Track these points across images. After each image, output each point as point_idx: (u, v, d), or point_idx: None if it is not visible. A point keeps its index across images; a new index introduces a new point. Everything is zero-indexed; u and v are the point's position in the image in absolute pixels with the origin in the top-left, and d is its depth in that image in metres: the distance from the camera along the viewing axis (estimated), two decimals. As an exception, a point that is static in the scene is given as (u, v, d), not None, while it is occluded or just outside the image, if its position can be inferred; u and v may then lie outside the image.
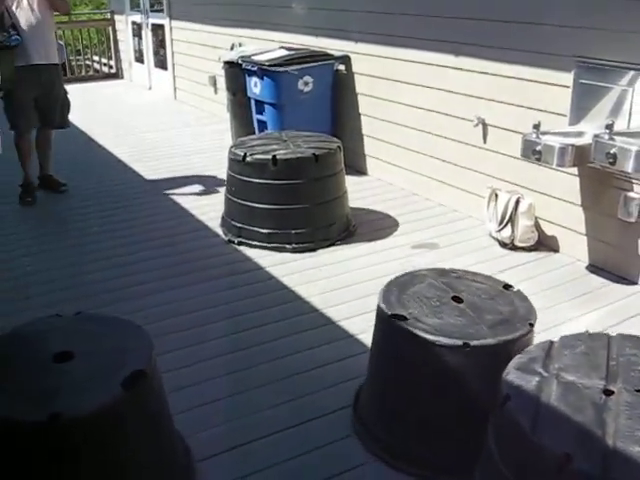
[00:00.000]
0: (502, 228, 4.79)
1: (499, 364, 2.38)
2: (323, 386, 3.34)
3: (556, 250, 4.82)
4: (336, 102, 6.64)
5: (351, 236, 5.12)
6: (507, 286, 3.04)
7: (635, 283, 4.36)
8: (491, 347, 2.58)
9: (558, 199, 4.72)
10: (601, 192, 4.45)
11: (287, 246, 4.89)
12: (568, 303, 4.10)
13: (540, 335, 2.94)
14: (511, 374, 2.24)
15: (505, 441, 2.12)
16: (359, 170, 6.57)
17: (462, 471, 2.52)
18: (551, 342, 2.40)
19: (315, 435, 3.01)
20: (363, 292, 4.22)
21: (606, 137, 3.87)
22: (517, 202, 4.73)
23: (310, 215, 4.97)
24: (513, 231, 4.76)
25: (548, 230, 4.86)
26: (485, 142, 5.26)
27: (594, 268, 4.56)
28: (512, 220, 4.74)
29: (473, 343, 2.57)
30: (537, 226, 4.84)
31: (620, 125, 4.22)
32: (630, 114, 4.26)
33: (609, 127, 3.88)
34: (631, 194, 4.28)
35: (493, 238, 4.95)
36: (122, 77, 12.43)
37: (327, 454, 2.91)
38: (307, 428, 3.06)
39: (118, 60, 12.54)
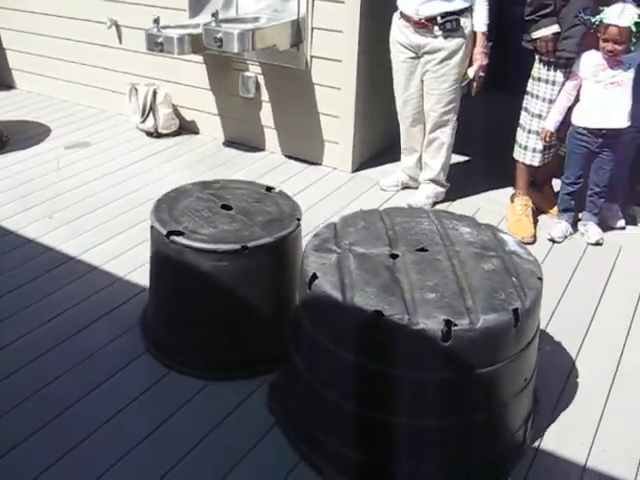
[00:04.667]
0: (145, 119, 5.26)
1: (277, 259, 2.78)
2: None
3: (196, 132, 5.44)
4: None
5: (4, 147, 5.22)
6: (269, 188, 3.21)
7: (262, 149, 5.13)
8: (268, 245, 2.77)
9: (191, 86, 5.29)
10: (224, 75, 5.09)
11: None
12: (209, 173, 4.72)
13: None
14: (311, 256, 2.47)
15: (319, 315, 2.37)
16: (6, 84, 6.53)
17: (248, 368, 2.92)
18: (334, 223, 2.72)
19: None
20: (24, 192, 4.49)
21: (213, 24, 4.44)
22: (154, 93, 5.21)
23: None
24: (155, 120, 5.25)
25: (187, 115, 5.43)
26: (121, 42, 5.60)
27: (229, 142, 5.26)
28: (153, 110, 5.22)
29: (251, 244, 2.73)
30: (177, 113, 5.39)
31: (231, 14, 4.85)
32: (237, 3, 4.88)
33: (214, 15, 4.45)
34: (247, 73, 4.97)
35: (140, 129, 5.41)
36: None
37: None
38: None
39: None
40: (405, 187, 4.65)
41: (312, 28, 4.60)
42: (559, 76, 3.96)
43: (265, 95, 4.99)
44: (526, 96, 4.14)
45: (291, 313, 2.96)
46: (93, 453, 2.54)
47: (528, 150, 4.17)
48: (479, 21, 4.04)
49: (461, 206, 4.38)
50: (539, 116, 4.08)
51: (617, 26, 3.62)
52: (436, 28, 4.02)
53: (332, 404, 2.41)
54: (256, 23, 4.60)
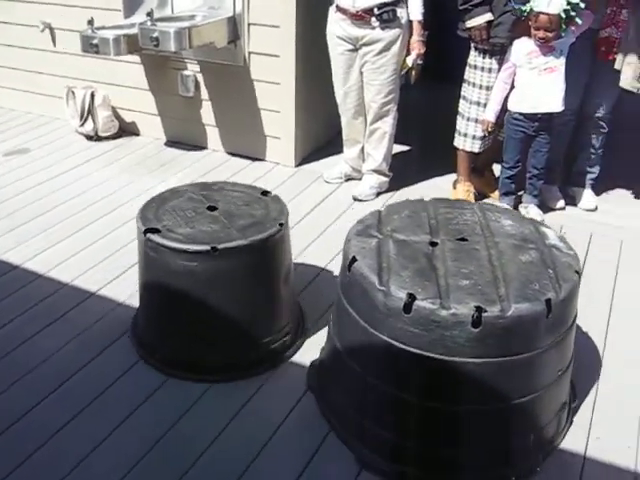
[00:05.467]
0: (84, 122, 5.19)
1: (252, 262, 2.76)
2: None
3: (137, 134, 5.39)
4: None
5: (-61, 157, 5.11)
6: (265, 192, 3.16)
7: (205, 148, 5.11)
8: (242, 248, 2.73)
9: (130, 87, 5.24)
10: (162, 75, 5.06)
11: None
12: (149, 175, 4.69)
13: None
14: (352, 240, 2.55)
15: (357, 297, 2.42)
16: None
17: (224, 372, 2.89)
18: (379, 211, 2.76)
19: None
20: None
21: (149, 24, 4.40)
22: (92, 96, 5.13)
23: None
24: (95, 123, 5.18)
25: (127, 117, 5.37)
26: (55, 45, 5.50)
27: (171, 142, 5.23)
28: (91, 113, 5.15)
29: (221, 246, 2.70)
30: (116, 115, 5.33)
31: (166, 13, 4.81)
32: (172, 2, 4.84)
33: (149, 14, 4.42)
34: (186, 72, 4.94)
35: (79, 133, 5.33)
36: None
37: None
38: None
39: None
40: (349, 179, 4.69)
41: (249, 24, 4.60)
42: (494, 63, 4.04)
43: (205, 93, 4.97)
44: (464, 84, 4.21)
45: (270, 316, 2.98)
46: (52, 459, 2.51)
47: (468, 137, 4.24)
48: (414, 10, 4.09)
49: (405, 195, 4.42)
50: (477, 103, 4.15)
51: (547, 14, 3.71)
52: (373, 19, 4.06)
53: (367, 384, 2.45)
54: (192, 21, 4.57)
